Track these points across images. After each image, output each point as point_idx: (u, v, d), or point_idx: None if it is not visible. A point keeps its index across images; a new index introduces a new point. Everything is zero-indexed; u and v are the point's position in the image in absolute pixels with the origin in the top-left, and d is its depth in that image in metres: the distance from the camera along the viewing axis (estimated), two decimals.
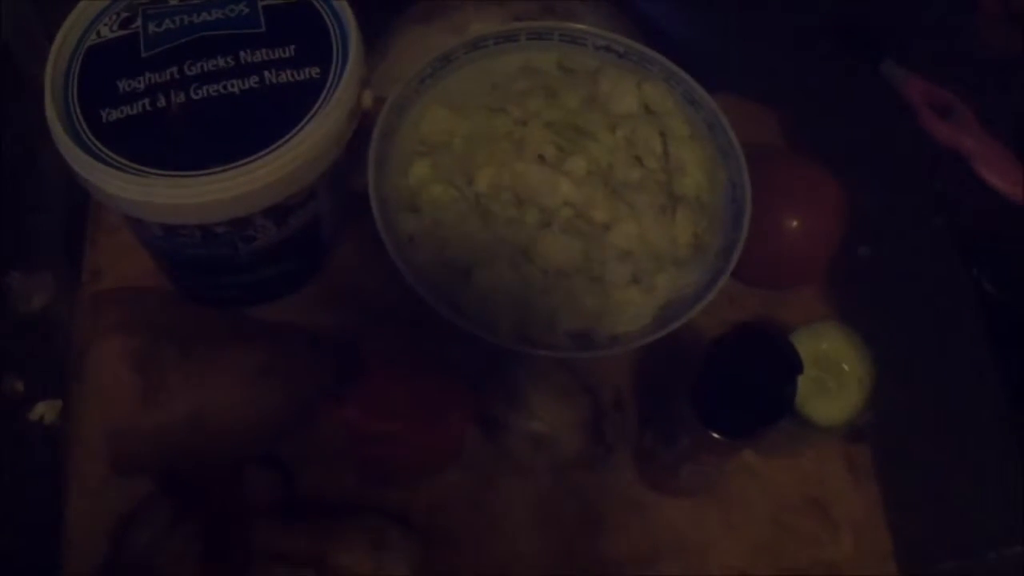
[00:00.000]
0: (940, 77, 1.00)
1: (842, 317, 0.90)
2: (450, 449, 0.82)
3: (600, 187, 0.83)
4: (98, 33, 0.76)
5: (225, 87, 0.74)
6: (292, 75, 0.75)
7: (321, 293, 0.89)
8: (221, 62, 0.75)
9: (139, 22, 0.76)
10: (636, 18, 0.98)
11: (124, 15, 0.77)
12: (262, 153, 0.70)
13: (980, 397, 0.93)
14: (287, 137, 0.71)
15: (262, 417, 0.80)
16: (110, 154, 0.70)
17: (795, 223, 0.87)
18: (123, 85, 0.73)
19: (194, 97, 0.73)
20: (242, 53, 0.75)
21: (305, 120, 0.72)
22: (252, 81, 0.74)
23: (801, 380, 0.72)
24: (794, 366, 0.71)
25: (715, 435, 0.72)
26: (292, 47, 0.76)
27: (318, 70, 0.75)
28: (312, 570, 0.75)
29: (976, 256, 0.98)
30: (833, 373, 0.82)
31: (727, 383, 0.71)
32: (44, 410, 0.85)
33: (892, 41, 1.01)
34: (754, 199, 0.83)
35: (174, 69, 0.74)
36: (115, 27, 0.76)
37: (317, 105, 0.73)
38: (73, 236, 0.90)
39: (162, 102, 0.73)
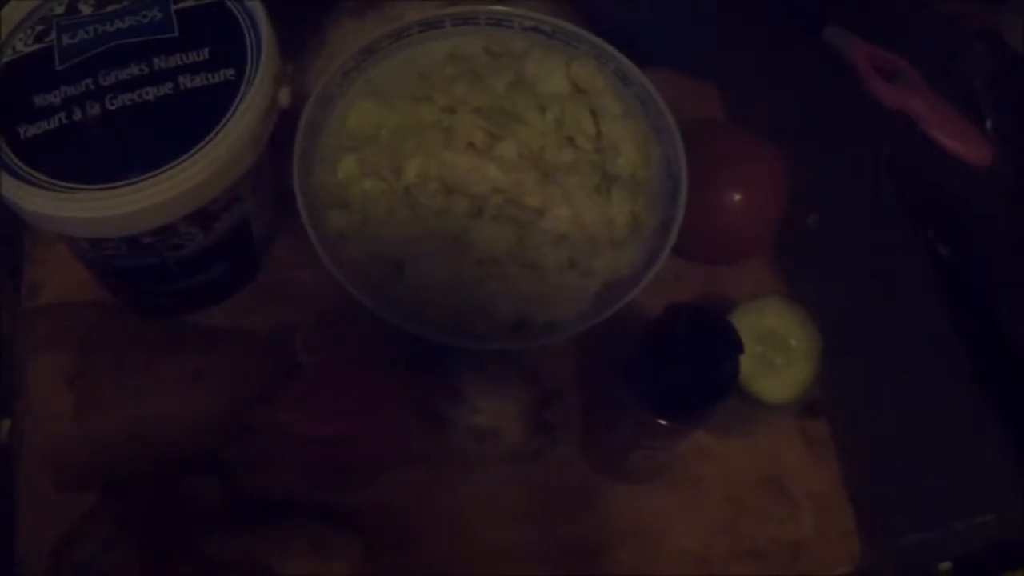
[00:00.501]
0: (883, 41, 0.99)
1: (792, 289, 0.89)
2: (391, 447, 0.81)
3: (531, 171, 0.81)
4: (13, 48, 0.75)
5: (140, 95, 0.73)
6: (207, 78, 0.74)
7: (257, 295, 0.88)
8: (135, 70, 0.74)
9: (53, 35, 0.75)
10: (574, 0, 0.96)
11: (39, 28, 0.76)
12: (179, 160, 0.70)
13: (940, 363, 0.91)
14: (204, 142, 0.71)
15: (199, 423, 0.79)
16: (29, 171, 0.70)
17: (736, 196, 0.85)
18: (39, 100, 0.73)
19: (109, 108, 0.72)
20: (156, 60, 0.74)
21: (221, 124, 0.71)
22: (167, 88, 0.73)
23: (747, 358, 0.71)
24: (733, 344, 0.69)
25: (658, 420, 0.72)
26: (206, 50, 0.75)
27: (233, 72, 0.74)
28: None
29: (929, 219, 0.96)
30: (780, 349, 0.80)
31: (665, 366, 0.70)
32: None
33: (833, 6, 1.00)
34: (694, 174, 0.81)
35: (89, 80, 0.73)
36: (30, 41, 0.75)
37: (233, 107, 0.72)
38: (13, 251, 0.89)
39: (78, 115, 0.72)
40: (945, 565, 0.91)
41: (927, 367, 0.90)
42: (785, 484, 0.86)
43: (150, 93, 0.73)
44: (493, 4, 0.88)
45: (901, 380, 0.89)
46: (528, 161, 0.82)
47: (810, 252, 0.93)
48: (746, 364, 0.72)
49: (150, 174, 0.69)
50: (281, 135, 0.78)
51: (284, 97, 0.76)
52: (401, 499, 0.83)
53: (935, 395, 0.90)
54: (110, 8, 0.77)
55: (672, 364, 0.70)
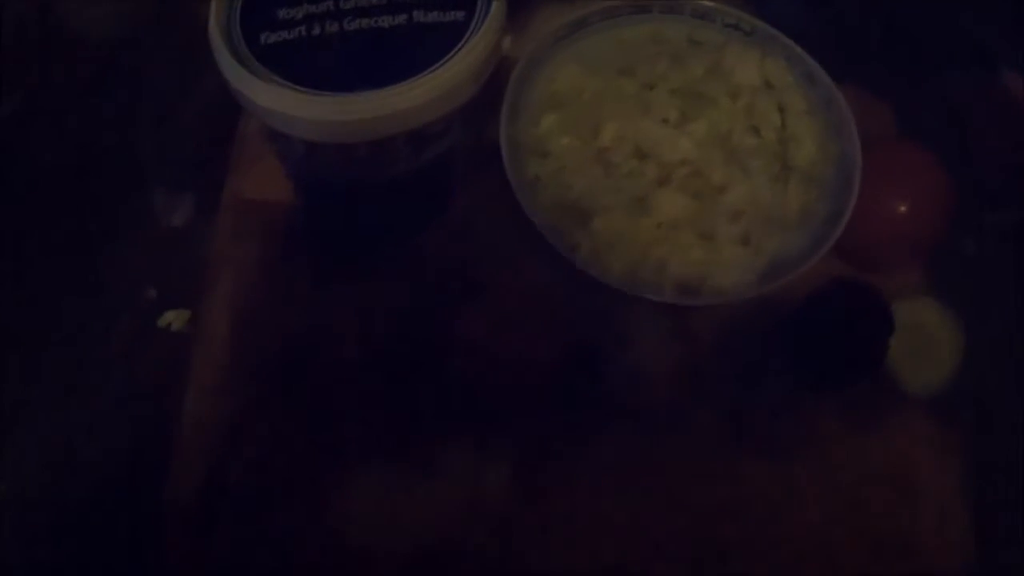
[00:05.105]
0: None
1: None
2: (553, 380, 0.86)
3: (718, 150, 0.87)
4: None
5: (376, 22, 0.79)
6: (439, 16, 0.80)
7: (440, 237, 0.93)
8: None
9: None
10: (755, 7, 1.02)
11: None
12: (404, 81, 0.75)
13: None
14: (427, 71, 0.76)
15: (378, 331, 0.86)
16: (265, 70, 0.76)
17: (901, 207, 0.89)
18: (282, 13, 0.79)
19: (347, 29, 0.79)
20: None
21: (447, 57, 0.77)
22: (401, 18, 0.79)
23: (896, 349, 0.75)
24: (885, 324, 0.74)
25: (807, 389, 0.76)
26: None
27: (463, 14, 0.80)
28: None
29: None
30: (926, 343, 0.84)
31: (819, 336, 0.75)
32: (172, 317, 0.90)
33: (1008, 48, 1.04)
34: (865, 181, 0.86)
35: (330, 2, 0.80)
36: None
37: (460, 44, 0.78)
38: (217, 163, 0.96)
39: (317, 30, 0.78)
40: None
41: None
42: (908, 480, 0.88)
43: (385, 21, 0.79)
44: None
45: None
46: (716, 140, 0.88)
47: (959, 274, 0.96)
48: (895, 355, 0.76)
49: (372, 89, 0.75)
50: (491, 87, 0.84)
51: (507, 43, 0.82)
52: (543, 434, 0.86)
53: None
54: None
55: (826, 335, 0.74)
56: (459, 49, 0.78)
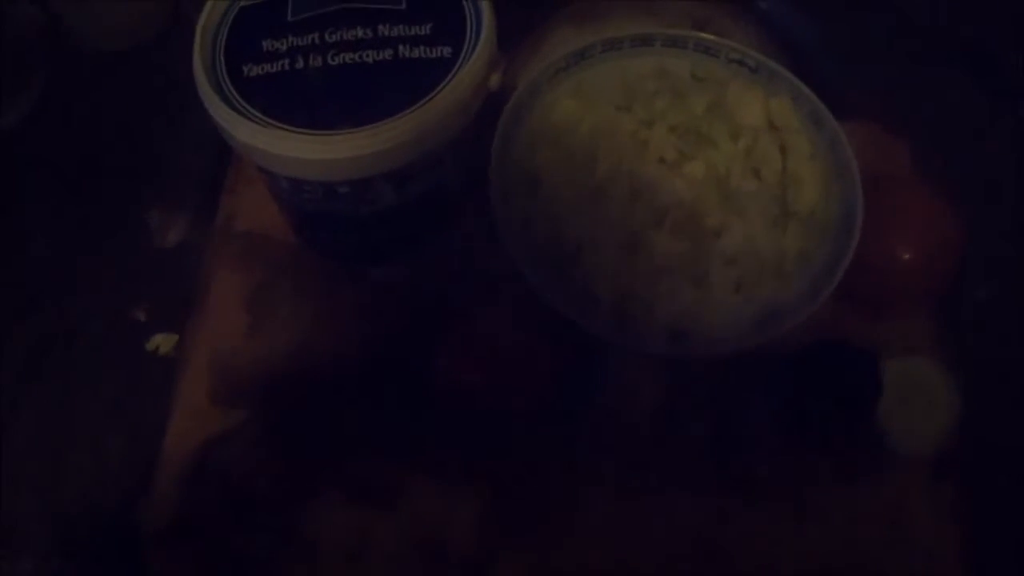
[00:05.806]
0: None
1: (942, 351, 0.89)
2: (529, 410, 0.85)
3: (715, 192, 0.84)
4: None
5: (361, 56, 0.78)
6: (425, 51, 0.78)
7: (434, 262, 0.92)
8: (360, 33, 0.79)
9: None
10: (786, 46, 0.99)
11: None
12: (383, 121, 0.74)
13: None
14: (410, 109, 0.74)
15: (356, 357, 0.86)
16: (246, 105, 0.75)
17: (906, 252, 0.86)
18: (267, 45, 0.78)
19: (331, 63, 0.77)
20: (381, 27, 0.79)
21: (429, 95, 0.75)
22: (387, 53, 0.78)
23: (887, 410, 0.72)
24: (875, 387, 0.72)
25: (794, 443, 0.74)
26: (429, 26, 0.79)
27: (450, 50, 0.78)
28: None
29: None
30: (921, 404, 0.82)
31: (806, 398, 0.72)
32: (161, 341, 0.91)
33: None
34: (871, 223, 0.83)
35: (315, 35, 0.78)
36: None
37: (444, 82, 0.76)
38: (213, 184, 0.96)
39: (300, 64, 0.77)
40: None
41: None
42: (903, 540, 0.85)
43: (370, 56, 0.78)
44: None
45: None
46: (713, 182, 0.85)
47: (966, 322, 0.93)
48: (885, 411, 0.74)
49: (355, 129, 0.73)
50: (487, 117, 0.82)
51: (494, 81, 0.80)
52: (524, 460, 0.86)
53: None
54: None
55: (811, 396, 0.72)
56: (443, 87, 0.76)
